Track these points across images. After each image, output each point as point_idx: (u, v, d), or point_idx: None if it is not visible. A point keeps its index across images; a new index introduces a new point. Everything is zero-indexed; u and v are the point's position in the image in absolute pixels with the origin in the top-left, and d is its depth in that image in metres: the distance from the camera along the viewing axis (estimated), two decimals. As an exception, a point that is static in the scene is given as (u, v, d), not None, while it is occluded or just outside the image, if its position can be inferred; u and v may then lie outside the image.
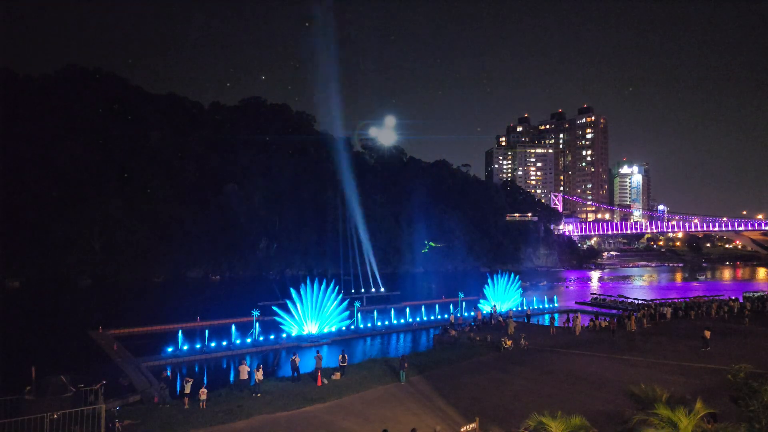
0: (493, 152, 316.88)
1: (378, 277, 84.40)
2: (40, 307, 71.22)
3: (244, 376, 27.12)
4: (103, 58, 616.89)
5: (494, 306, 56.30)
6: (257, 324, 42.74)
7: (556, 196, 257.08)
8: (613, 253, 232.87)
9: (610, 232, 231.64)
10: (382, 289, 78.62)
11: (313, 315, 44.47)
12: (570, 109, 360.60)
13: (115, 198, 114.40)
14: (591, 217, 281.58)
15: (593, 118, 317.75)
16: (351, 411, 22.87)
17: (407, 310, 55.97)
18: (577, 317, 44.68)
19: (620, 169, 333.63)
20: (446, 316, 54.32)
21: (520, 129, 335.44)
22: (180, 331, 40.41)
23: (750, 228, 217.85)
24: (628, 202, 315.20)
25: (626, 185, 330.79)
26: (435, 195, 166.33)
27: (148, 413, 22.92)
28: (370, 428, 20.78)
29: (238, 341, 41.47)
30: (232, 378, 33.58)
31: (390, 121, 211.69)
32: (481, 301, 59.17)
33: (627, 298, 68.29)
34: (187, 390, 24.37)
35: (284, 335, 43.51)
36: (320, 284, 44.62)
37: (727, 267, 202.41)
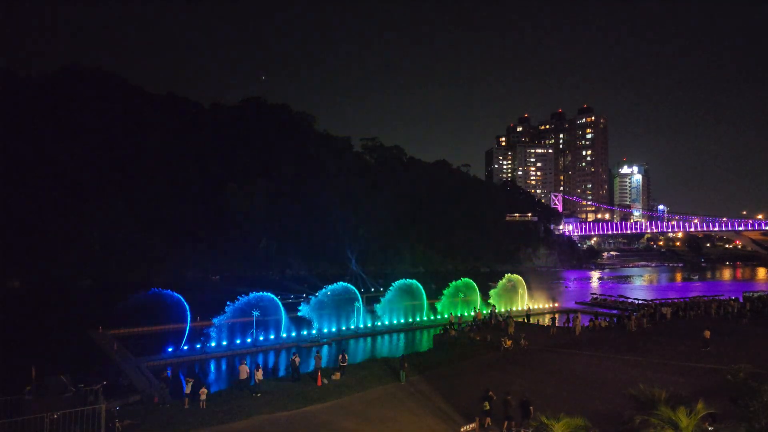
0: (493, 152, 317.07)
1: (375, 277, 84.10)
2: (40, 307, 71.14)
3: (244, 376, 27.12)
4: (103, 58, 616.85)
5: (494, 306, 56.26)
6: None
7: (556, 196, 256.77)
8: (613, 253, 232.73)
9: (610, 232, 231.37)
10: (381, 289, 78.41)
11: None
12: (570, 109, 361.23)
13: (115, 198, 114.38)
14: (591, 217, 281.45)
15: (593, 118, 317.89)
16: (351, 411, 22.86)
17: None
18: (577, 317, 44.69)
19: (620, 169, 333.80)
20: (446, 315, 54.30)
21: (520, 129, 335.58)
22: (182, 331, 40.38)
23: (750, 228, 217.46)
24: (628, 202, 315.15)
25: (626, 185, 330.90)
26: (435, 195, 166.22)
27: (148, 413, 22.92)
28: (370, 428, 20.77)
29: (238, 341, 41.47)
30: (232, 378, 33.55)
31: (390, 121, 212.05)
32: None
33: (627, 298, 68.27)
34: (187, 390, 24.39)
35: (284, 335, 43.51)
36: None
37: (727, 267, 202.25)
